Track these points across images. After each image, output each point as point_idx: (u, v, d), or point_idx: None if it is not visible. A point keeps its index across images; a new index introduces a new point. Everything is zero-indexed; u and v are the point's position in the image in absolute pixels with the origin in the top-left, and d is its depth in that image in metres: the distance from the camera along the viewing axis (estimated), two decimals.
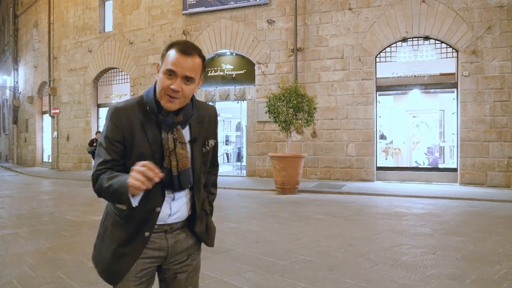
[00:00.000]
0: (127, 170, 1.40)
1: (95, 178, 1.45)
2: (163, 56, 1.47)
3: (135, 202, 1.34)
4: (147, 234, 1.51)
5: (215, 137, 1.68)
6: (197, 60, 1.45)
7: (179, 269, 1.62)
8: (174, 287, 1.62)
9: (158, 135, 1.49)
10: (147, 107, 1.49)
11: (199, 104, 1.62)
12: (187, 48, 1.44)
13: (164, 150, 1.48)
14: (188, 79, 1.43)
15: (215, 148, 1.74)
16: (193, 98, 1.55)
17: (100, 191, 1.44)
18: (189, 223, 1.63)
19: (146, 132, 1.47)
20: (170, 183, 1.50)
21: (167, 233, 1.57)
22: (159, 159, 1.48)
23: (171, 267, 1.62)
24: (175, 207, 1.56)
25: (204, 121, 1.61)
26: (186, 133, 1.55)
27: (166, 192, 1.52)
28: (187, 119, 1.53)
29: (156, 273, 1.65)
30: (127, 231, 1.51)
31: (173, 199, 1.55)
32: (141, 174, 1.26)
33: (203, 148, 1.60)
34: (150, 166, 1.28)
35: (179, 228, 1.60)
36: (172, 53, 1.43)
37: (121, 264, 1.51)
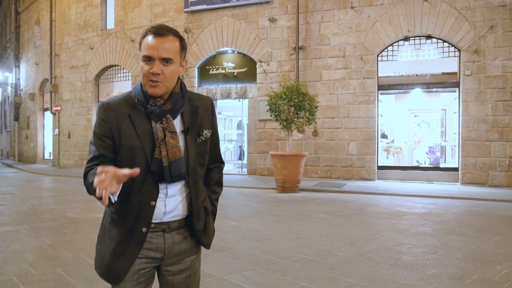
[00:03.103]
0: (117, 164, 1.42)
1: (85, 175, 1.47)
2: (140, 44, 1.46)
3: (114, 197, 1.33)
4: (144, 230, 1.48)
5: (212, 127, 1.63)
6: (172, 39, 1.43)
7: (177, 272, 1.59)
8: None
9: (147, 126, 1.47)
10: (136, 100, 1.48)
11: (193, 96, 1.60)
12: (160, 30, 1.43)
13: (155, 140, 1.46)
14: (166, 60, 1.42)
15: (215, 140, 1.69)
16: (183, 87, 1.54)
17: (87, 188, 1.44)
18: (188, 222, 1.58)
19: (134, 124, 1.47)
20: (162, 175, 1.46)
21: (165, 233, 1.53)
22: (150, 150, 1.46)
23: (168, 269, 1.58)
24: (170, 205, 1.52)
25: (198, 111, 1.57)
26: (178, 123, 1.53)
27: (159, 186, 1.49)
28: (176, 108, 1.50)
29: (157, 274, 1.63)
30: (124, 228, 1.49)
31: (167, 196, 1.51)
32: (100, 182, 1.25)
33: (198, 139, 1.56)
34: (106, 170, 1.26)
35: (177, 228, 1.56)
36: (147, 38, 1.43)
37: (120, 263, 1.48)
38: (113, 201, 1.33)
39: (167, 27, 1.46)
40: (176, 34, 1.46)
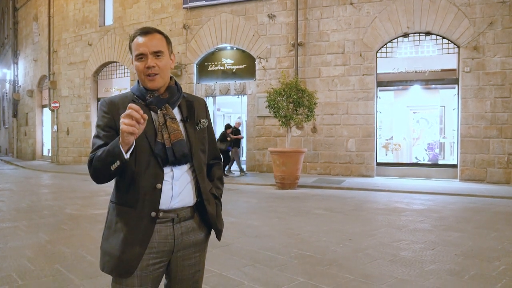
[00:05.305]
0: None
1: (90, 161, 1.49)
2: (130, 48, 1.58)
3: (126, 155, 1.38)
4: (153, 214, 1.49)
5: (207, 118, 1.72)
6: (158, 36, 1.57)
7: (186, 267, 1.60)
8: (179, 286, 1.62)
9: (148, 115, 1.52)
10: (135, 96, 1.59)
11: (187, 94, 1.71)
12: (146, 29, 1.57)
13: (156, 127, 1.54)
14: (157, 54, 1.54)
15: (211, 136, 1.76)
16: (177, 83, 1.65)
17: (95, 167, 1.46)
18: (198, 207, 1.62)
19: None
20: (166, 158, 1.51)
21: (174, 223, 1.55)
22: (152, 136, 1.52)
23: (178, 264, 1.59)
24: (177, 188, 1.54)
25: (193, 105, 1.68)
26: (177, 114, 1.61)
27: (164, 170, 1.52)
28: (174, 98, 1.60)
29: (165, 274, 1.63)
30: (132, 216, 1.50)
31: (173, 178, 1.54)
32: (129, 118, 1.31)
33: (197, 126, 1.65)
34: (134, 107, 1.31)
35: (186, 217, 1.58)
36: (136, 40, 1.55)
37: (131, 253, 1.47)
38: (125, 157, 1.37)
39: (151, 27, 1.61)
40: (160, 32, 1.60)
